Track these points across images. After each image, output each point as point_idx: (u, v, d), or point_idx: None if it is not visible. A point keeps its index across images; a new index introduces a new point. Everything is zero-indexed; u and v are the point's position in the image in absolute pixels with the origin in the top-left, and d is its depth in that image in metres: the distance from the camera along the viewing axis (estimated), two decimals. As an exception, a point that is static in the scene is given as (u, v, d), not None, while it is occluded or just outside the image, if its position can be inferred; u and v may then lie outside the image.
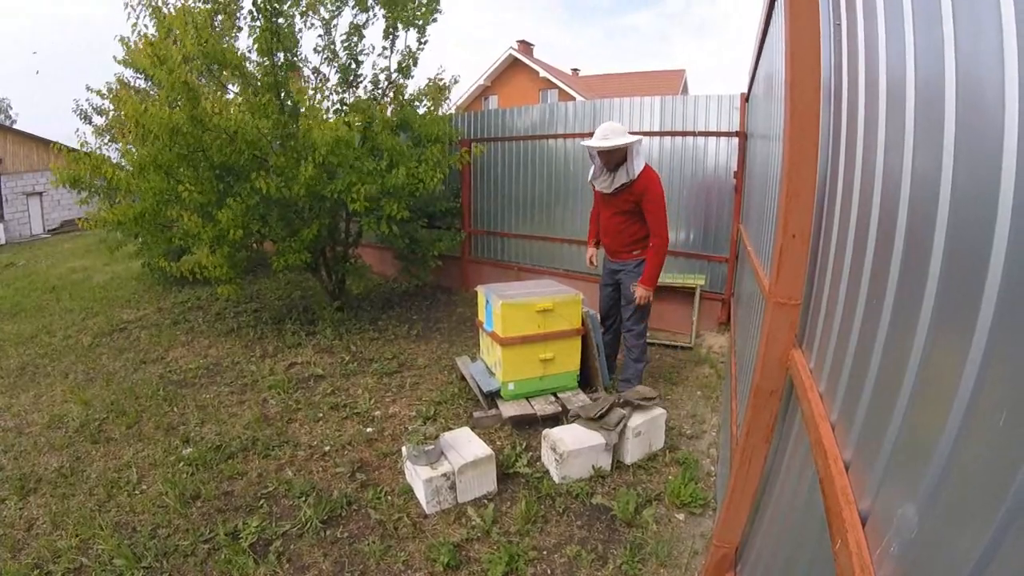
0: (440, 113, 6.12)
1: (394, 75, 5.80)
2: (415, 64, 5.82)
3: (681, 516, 2.71)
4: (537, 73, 23.76)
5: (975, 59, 0.68)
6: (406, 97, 5.98)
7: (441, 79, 6.10)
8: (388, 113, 5.71)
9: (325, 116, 5.36)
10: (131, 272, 8.79)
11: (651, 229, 3.58)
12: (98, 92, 7.12)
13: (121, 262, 9.21)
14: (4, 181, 17.46)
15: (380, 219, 5.28)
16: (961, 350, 0.64)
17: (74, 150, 5.19)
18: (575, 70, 28.00)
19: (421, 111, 6.05)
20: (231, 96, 5.42)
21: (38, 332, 6.02)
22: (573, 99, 17.63)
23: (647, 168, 3.55)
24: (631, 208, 3.59)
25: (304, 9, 5.21)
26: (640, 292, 3.64)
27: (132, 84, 7.38)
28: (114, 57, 7.27)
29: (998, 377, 0.57)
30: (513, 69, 24.79)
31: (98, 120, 7.80)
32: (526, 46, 25.16)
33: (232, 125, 4.60)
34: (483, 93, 25.39)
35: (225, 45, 4.93)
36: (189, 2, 5.10)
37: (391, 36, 5.57)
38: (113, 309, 6.86)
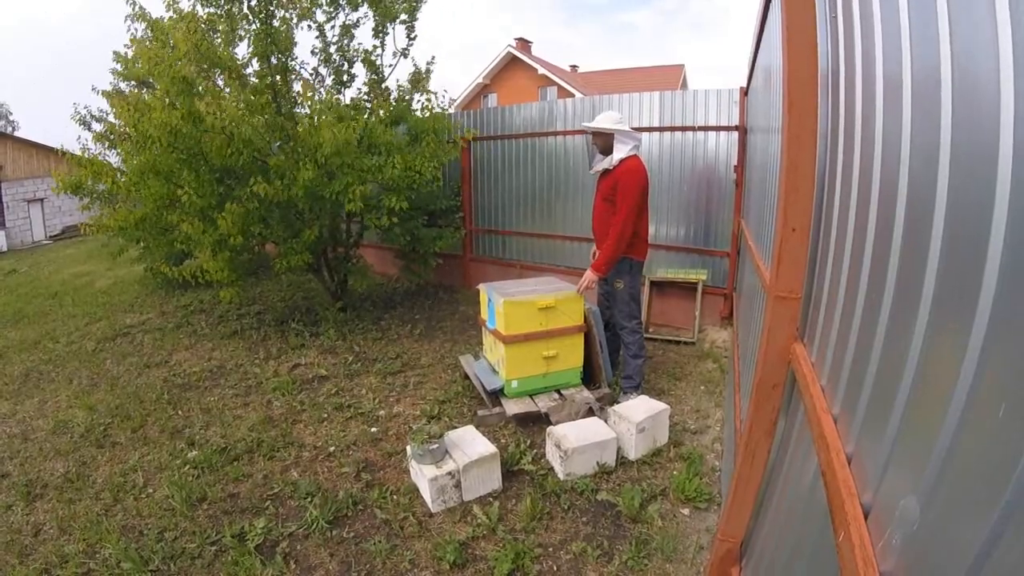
0: (436, 110, 6.11)
1: (386, 71, 5.81)
2: (405, 56, 5.84)
3: (686, 511, 2.72)
4: (536, 70, 23.71)
5: (971, 51, 0.68)
6: (398, 93, 5.99)
7: (406, 82, 6.10)
8: (381, 113, 5.73)
9: (327, 117, 5.35)
10: (133, 276, 8.81)
11: (616, 216, 3.53)
12: (103, 92, 7.09)
13: (123, 267, 9.23)
14: (5, 188, 17.51)
15: (381, 213, 5.28)
16: (960, 342, 0.64)
17: (76, 156, 5.19)
18: (574, 67, 27.95)
19: (416, 107, 6.05)
20: (225, 97, 5.42)
21: (41, 338, 6.05)
22: (572, 96, 17.62)
23: (632, 159, 3.52)
24: (610, 195, 3.59)
25: (300, 13, 5.21)
26: (585, 274, 3.65)
27: (129, 92, 7.38)
28: (112, 71, 7.27)
29: (997, 369, 0.57)
30: (512, 67, 24.74)
31: (97, 127, 7.79)
32: (524, 44, 25.10)
33: (228, 124, 4.56)
34: (482, 91, 25.36)
35: (220, 51, 4.93)
36: (187, 8, 5.09)
37: (381, 35, 5.59)
38: (116, 314, 6.89)
